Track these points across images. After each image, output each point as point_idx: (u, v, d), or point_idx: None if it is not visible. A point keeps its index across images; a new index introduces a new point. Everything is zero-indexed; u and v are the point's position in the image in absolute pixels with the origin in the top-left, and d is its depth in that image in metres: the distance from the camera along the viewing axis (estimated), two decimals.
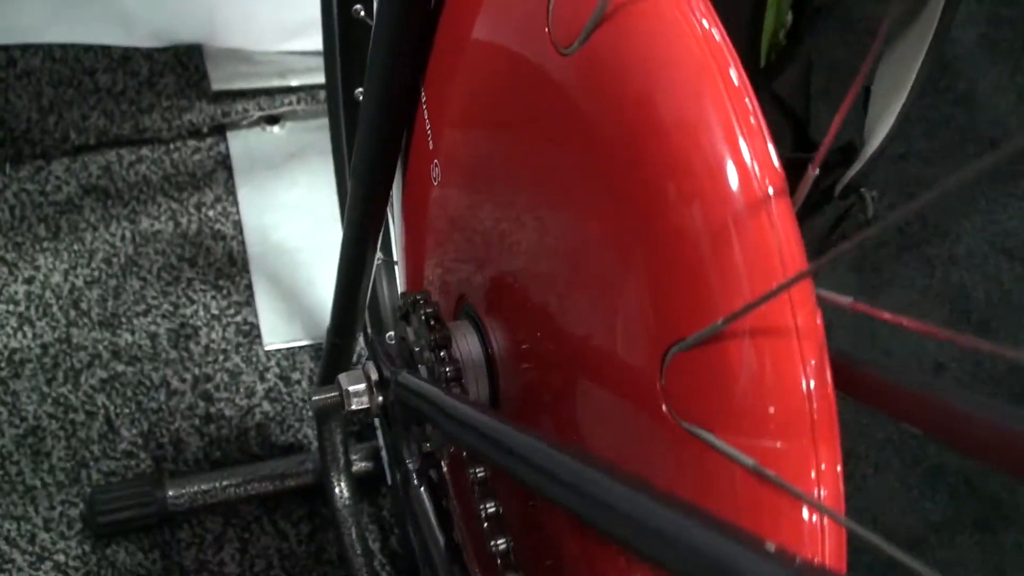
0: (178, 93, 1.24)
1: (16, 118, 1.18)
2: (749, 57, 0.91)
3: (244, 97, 1.26)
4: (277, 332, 1.15)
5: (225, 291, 1.16)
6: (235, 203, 1.22)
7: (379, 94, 0.62)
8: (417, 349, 0.58)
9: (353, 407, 0.58)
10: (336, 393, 0.59)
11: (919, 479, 1.22)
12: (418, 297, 0.60)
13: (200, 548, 1.01)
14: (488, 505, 0.54)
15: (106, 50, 1.23)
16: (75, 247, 1.15)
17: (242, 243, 1.20)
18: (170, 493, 1.00)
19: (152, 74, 1.24)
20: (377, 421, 1.03)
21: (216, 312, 1.15)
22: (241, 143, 1.26)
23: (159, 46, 1.25)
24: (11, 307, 1.10)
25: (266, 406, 1.10)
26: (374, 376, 0.58)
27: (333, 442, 1.01)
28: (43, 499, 1.01)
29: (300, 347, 1.14)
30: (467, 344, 0.59)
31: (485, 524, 0.54)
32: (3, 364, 1.07)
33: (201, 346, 1.12)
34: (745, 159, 0.39)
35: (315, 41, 1.28)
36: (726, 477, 0.41)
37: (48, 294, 1.12)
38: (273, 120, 1.28)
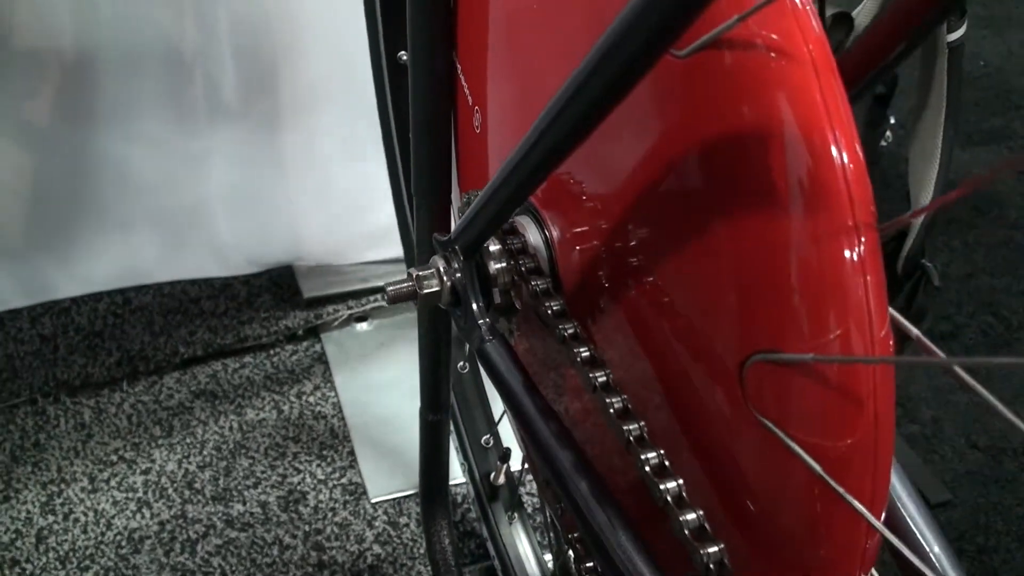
0: (274, 306, 1.36)
1: (131, 343, 1.30)
2: None
3: (333, 300, 1.37)
4: (381, 486, 1.17)
5: (329, 459, 1.20)
6: (333, 388, 1.29)
7: (423, 72, 0.72)
8: None
9: (425, 291, 0.62)
10: (410, 282, 0.63)
11: None
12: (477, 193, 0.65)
13: None
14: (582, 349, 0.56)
15: (208, 281, 1.37)
16: (187, 440, 1.22)
17: (342, 419, 1.25)
18: None
19: (250, 295, 1.37)
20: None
21: (322, 477, 1.18)
22: (334, 343, 1.36)
23: (254, 272, 1.39)
24: (130, 494, 1.15)
25: (377, 548, 1.10)
26: (442, 266, 0.63)
27: (443, 547, 1.01)
28: None
29: (405, 496, 1.16)
30: (526, 231, 0.63)
31: (581, 358, 0.55)
32: (124, 543, 1.10)
33: (310, 507, 1.15)
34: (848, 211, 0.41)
35: (389, 250, 1.41)
36: (780, 465, 0.44)
37: (164, 480, 1.17)
38: (361, 318, 1.38)
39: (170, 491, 1.16)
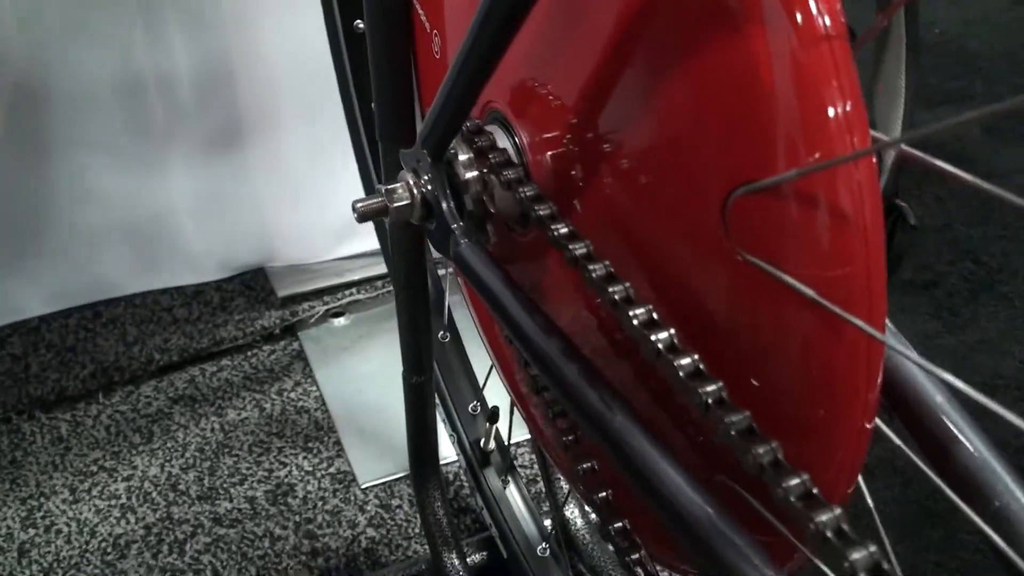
0: (249, 308, 1.33)
1: (104, 355, 1.27)
2: None
3: (308, 298, 1.35)
4: (370, 471, 1.14)
5: (315, 450, 1.17)
6: (314, 383, 1.26)
7: (380, 9, 0.71)
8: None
9: (395, 205, 0.61)
10: (380, 199, 0.62)
11: None
12: None
13: None
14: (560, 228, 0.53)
15: (180, 289, 1.35)
16: (168, 445, 1.19)
17: (326, 411, 1.22)
18: None
19: (223, 299, 1.34)
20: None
21: (309, 468, 1.15)
22: (312, 339, 1.33)
23: (226, 276, 1.36)
24: (112, 502, 1.12)
25: (371, 532, 1.07)
26: (411, 178, 0.61)
27: (438, 518, 0.98)
28: None
29: (395, 479, 1.13)
30: (494, 131, 0.61)
31: (559, 234, 0.53)
32: (109, 549, 1.07)
33: (299, 498, 1.12)
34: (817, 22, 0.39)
35: (362, 244, 1.39)
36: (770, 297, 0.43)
37: (147, 484, 1.14)
38: (338, 313, 1.36)
39: (154, 495, 1.13)
